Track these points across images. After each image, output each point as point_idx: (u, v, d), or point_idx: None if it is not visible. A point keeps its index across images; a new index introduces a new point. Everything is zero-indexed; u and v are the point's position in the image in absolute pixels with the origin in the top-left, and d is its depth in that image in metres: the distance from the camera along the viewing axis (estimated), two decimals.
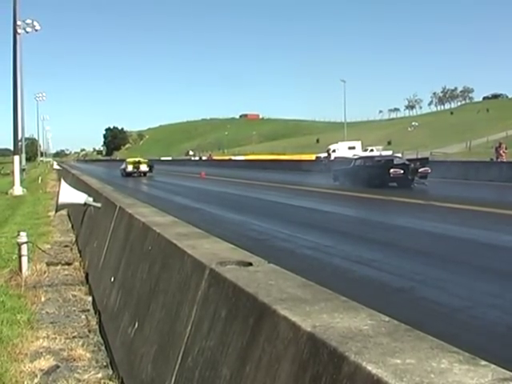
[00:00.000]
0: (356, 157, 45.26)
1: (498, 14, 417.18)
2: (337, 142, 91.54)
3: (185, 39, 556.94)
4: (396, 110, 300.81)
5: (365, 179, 35.58)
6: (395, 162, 36.76)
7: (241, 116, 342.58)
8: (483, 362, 2.28)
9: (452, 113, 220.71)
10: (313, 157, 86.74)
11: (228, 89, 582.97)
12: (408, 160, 38.60)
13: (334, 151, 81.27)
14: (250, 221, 20.94)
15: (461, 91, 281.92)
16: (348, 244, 15.64)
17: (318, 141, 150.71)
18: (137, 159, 70.53)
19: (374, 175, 35.24)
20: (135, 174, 65.58)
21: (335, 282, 8.80)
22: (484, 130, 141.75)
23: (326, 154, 74.50)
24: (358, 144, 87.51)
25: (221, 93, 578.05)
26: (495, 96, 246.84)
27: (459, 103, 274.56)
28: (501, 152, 53.90)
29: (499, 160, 50.98)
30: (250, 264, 4.36)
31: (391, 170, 34.96)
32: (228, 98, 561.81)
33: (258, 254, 4.84)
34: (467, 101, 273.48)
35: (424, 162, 37.58)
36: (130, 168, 66.35)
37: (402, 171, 34.79)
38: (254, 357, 3.18)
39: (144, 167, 66.96)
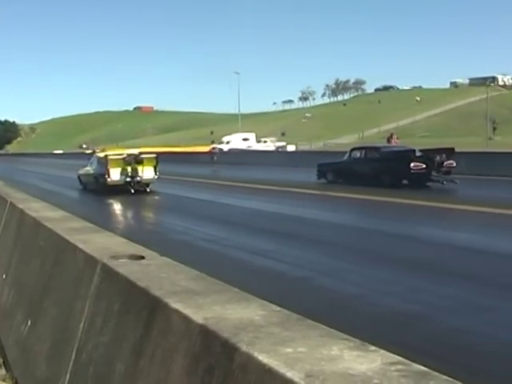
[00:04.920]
0: (357, 147, 34.64)
1: (385, 9, 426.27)
2: (230, 134, 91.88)
3: (75, 30, 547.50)
4: (290, 101, 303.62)
5: (368, 176, 28.84)
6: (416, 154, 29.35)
7: (135, 108, 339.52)
8: (372, 348, 2.32)
9: (345, 104, 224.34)
10: (207, 148, 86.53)
11: (121, 81, 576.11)
12: (430, 151, 30.18)
13: (227, 143, 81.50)
14: (147, 214, 20.79)
15: (353, 83, 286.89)
16: (245, 235, 15.70)
17: (212, 133, 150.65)
18: (131, 151, 34.15)
19: (386, 170, 28.39)
20: (129, 187, 29.26)
21: (232, 274, 8.83)
22: (376, 120, 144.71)
23: (219, 146, 74.09)
24: (251, 135, 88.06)
25: (114, 85, 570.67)
26: (386, 88, 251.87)
27: (352, 95, 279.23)
28: (392, 142, 55.10)
29: None
30: (143, 257, 4.33)
31: (412, 164, 27.74)
32: (121, 91, 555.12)
33: (153, 248, 4.80)
34: (359, 92, 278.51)
35: (449, 153, 29.63)
36: (115, 174, 29.42)
37: (424, 165, 27.73)
38: (148, 351, 3.16)
39: (149, 172, 30.10)
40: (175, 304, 2.99)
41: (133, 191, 28.80)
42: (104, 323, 3.92)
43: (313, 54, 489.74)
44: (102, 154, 32.94)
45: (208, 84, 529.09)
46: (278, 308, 2.86)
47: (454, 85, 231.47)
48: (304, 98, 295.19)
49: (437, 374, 2.12)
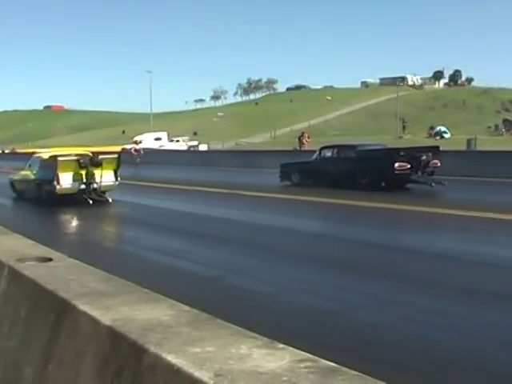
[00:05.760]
0: (328, 145, 30.46)
1: (294, 9, 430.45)
2: (142, 133, 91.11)
3: None
4: (202, 100, 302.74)
5: (341, 177, 25.81)
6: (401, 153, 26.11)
7: (45, 107, 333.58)
8: (281, 346, 2.34)
9: (257, 103, 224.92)
10: (119, 148, 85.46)
11: (30, 79, 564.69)
12: (413, 150, 27.55)
13: (140, 142, 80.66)
14: (59, 215, 20.44)
15: (265, 82, 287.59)
16: (158, 236, 15.60)
17: (123, 132, 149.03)
18: (81, 151, 27.50)
19: (364, 171, 25.45)
20: (84, 196, 23.09)
21: (143, 275, 8.77)
22: (288, 119, 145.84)
23: (133, 146, 72.99)
24: (163, 135, 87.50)
25: (23, 84, 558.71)
26: (298, 87, 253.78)
27: (264, 94, 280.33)
28: (303, 141, 55.89)
29: (302, 149, 52.69)
30: (50, 259, 4.26)
31: (396, 165, 24.68)
32: (30, 89, 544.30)
33: (62, 250, 4.73)
34: (271, 92, 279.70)
35: (435, 151, 26.51)
36: (66, 180, 23.03)
37: (408, 166, 24.84)
38: (56, 354, 3.12)
39: (108, 176, 23.93)
40: (83, 306, 2.96)
41: (91, 202, 22.66)
42: (11, 327, 3.85)
43: (224, 53, 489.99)
44: (46, 155, 25.84)
45: (120, 83, 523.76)
46: (187, 308, 2.86)
47: (365, 84, 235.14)
48: (216, 97, 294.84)
49: (346, 369, 2.15)
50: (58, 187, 22.54)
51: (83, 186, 22.96)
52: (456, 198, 21.19)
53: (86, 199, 22.66)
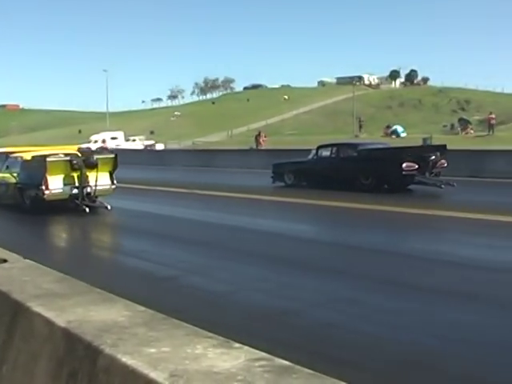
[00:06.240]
0: (326, 144, 27.73)
1: (250, 7, 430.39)
2: (99, 133, 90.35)
3: None
4: (159, 99, 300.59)
5: (341, 178, 24.33)
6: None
7: (0, 106, 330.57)
8: (237, 345, 2.35)
9: (214, 102, 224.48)
10: (75, 148, 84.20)
11: None
12: (420, 149, 27.00)
13: (95, 142, 79.84)
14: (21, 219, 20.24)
15: (222, 81, 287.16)
16: (120, 237, 15.53)
17: (80, 131, 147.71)
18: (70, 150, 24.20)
19: (368, 172, 24.05)
20: (77, 202, 20.04)
21: (99, 275, 8.74)
22: (245, 118, 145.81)
23: (87, 145, 71.98)
24: (120, 134, 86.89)
25: None
26: (255, 86, 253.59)
27: (221, 93, 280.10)
28: (260, 140, 56.12)
29: (259, 148, 52.88)
30: (5, 261, 4.22)
31: (404, 165, 23.29)
32: None
33: (17, 252, 4.69)
34: (228, 91, 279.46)
35: (442, 150, 24.85)
36: (56, 184, 19.73)
37: (416, 166, 23.33)
38: (11, 357, 3.09)
39: (103, 179, 20.62)
40: (37, 307, 2.93)
41: (87, 209, 19.57)
42: None
43: (182, 53, 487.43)
44: (28, 155, 22.22)
45: (77, 82, 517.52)
46: (143, 308, 2.85)
47: (322, 83, 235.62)
48: (173, 97, 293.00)
49: (300, 367, 2.17)
50: (46, 192, 19.59)
51: (75, 191, 20.02)
52: (471, 200, 20.14)
53: (81, 206, 19.80)
